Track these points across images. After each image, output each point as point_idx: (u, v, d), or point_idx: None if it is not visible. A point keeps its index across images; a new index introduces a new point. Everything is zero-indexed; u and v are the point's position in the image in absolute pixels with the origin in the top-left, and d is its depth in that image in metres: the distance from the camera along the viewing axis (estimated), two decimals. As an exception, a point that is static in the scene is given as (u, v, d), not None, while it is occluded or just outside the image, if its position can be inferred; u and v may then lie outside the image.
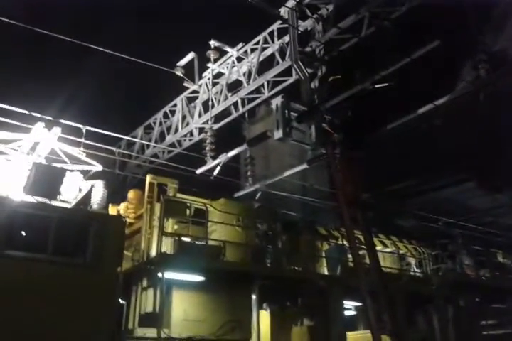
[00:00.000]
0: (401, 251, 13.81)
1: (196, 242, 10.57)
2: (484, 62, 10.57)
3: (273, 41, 13.46)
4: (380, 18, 11.21)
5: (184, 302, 10.08)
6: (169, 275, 9.98)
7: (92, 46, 12.01)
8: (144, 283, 10.32)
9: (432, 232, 14.76)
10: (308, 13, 12.65)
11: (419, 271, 13.89)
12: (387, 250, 13.51)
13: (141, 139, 16.84)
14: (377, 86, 10.67)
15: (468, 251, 14.22)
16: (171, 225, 11.14)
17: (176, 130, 15.88)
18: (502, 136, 14.35)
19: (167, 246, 10.54)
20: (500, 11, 14.93)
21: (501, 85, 11.30)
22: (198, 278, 10.17)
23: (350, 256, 12.07)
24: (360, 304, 12.21)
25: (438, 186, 15.24)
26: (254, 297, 10.57)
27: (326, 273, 12.20)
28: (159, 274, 9.82)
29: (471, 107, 12.60)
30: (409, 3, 10.98)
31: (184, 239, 10.57)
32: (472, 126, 14.27)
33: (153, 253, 10.38)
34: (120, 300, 9.92)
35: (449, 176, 14.76)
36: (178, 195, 11.43)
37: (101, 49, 12.27)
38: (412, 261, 13.96)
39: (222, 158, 13.10)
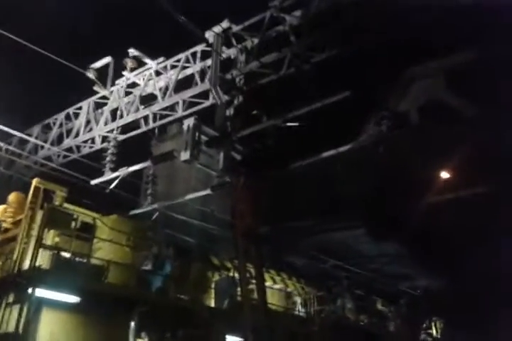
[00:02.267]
0: (289, 289, 13.87)
1: (77, 259, 9.78)
2: (387, 119, 11.21)
3: (195, 62, 13.30)
4: (300, 60, 11.50)
5: (53, 324, 9.24)
6: (41, 292, 9.11)
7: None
8: (10, 298, 9.32)
9: (320, 273, 15.07)
10: (234, 42, 12.68)
11: (303, 310, 14.00)
12: (276, 286, 13.50)
13: (36, 138, 15.62)
14: (288, 124, 10.86)
15: (352, 295, 14.63)
16: (51, 237, 10.27)
17: (77, 134, 14.94)
18: (394, 188, 15.17)
19: (44, 259, 9.67)
20: (407, 76, 15.98)
21: (399, 141, 12.07)
22: (73, 299, 9.37)
23: (236, 289, 11.93)
24: (241, 340, 12.01)
25: (332, 228, 15.67)
26: (132, 324, 9.94)
27: (213, 305, 11.84)
28: (29, 290, 8.93)
29: (370, 158, 13.26)
30: (329, 52, 11.39)
31: (64, 254, 9.75)
32: (368, 176, 14.96)
33: (27, 265, 9.46)
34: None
35: (343, 220, 15.25)
36: (66, 205, 10.64)
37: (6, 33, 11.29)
38: (298, 299, 14.06)
39: (123, 172, 12.48)
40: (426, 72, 15.29)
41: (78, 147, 15.11)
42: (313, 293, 14.22)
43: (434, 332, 18.47)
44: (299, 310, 13.93)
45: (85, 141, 14.91)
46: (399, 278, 18.67)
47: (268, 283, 12.84)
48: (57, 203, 10.30)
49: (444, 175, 15.72)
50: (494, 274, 17.49)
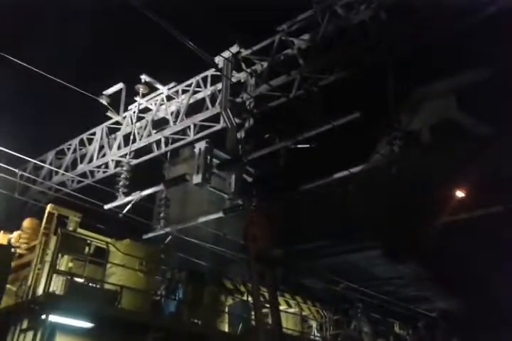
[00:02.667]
0: (304, 313, 13.67)
1: (90, 284, 9.77)
2: (399, 139, 11.18)
3: (205, 86, 13.50)
4: (308, 82, 11.61)
5: (67, 349, 9.17)
6: (54, 318, 9.09)
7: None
8: (24, 324, 9.29)
9: (335, 296, 14.85)
10: (243, 67, 12.86)
11: (319, 334, 13.77)
12: (291, 310, 13.32)
13: (50, 164, 15.82)
14: (299, 146, 10.89)
15: (368, 319, 14.37)
16: (65, 262, 10.31)
17: (91, 160, 15.14)
18: (408, 209, 15.01)
19: (57, 285, 9.68)
20: (418, 94, 16.01)
21: (412, 161, 12.02)
22: (87, 325, 9.33)
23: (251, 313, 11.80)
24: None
25: (345, 250, 15.52)
26: (145, 350, 9.87)
27: (226, 329, 11.70)
28: (43, 316, 8.91)
29: (382, 179, 13.19)
30: (337, 74, 11.49)
31: (78, 279, 9.75)
32: (381, 197, 14.84)
33: (41, 291, 9.47)
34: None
35: (357, 242, 15.10)
36: (79, 230, 10.67)
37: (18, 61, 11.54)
38: (314, 324, 13.84)
39: (136, 196, 12.55)
40: (436, 92, 15.34)
41: (92, 172, 15.28)
42: (329, 317, 13.99)
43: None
44: (315, 334, 13.69)
45: (99, 166, 15.09)
46: (415, 300, 18.32)
47: (283, 307, 12.67)
48: (71, 228, 10.34)
49: (458, 194, 15.55)
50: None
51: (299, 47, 12.16)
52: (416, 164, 12.93)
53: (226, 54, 12.24)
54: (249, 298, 12.11)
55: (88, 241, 10.16)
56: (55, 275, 9.50)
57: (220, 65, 12.89)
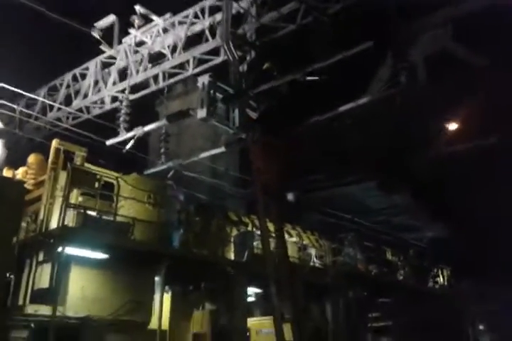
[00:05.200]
0: (304, 242, 14.21)
1: (103, 217, 9.94)
2: (405, 70, 11.12)
3: (203, 17, 13.02)
4: (316, 11, 11.29)
5: (83, 279, 9.49)
6: (69, 250, 9.32)
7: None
8: (40, 256, 9.50)
9: (332, 226, 15.37)
10: (244, -5, 12.38)
11: (318, 261, 14.42)
12: (292, 239, 13.83)
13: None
14: (308, 78, 10.77)
15: (361, 247, 15.03)
16: (74, 197, 10.35)
17: (86, 95, 14.80)
18: (409, 143, 15.27)
19: (69, 218, 9.82)
20: (416, 25, 15.74)
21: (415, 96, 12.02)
22: (101, 256, 9.61)
23: (256, 243, 12.22)
24: (260, 291, 12.40)
25: (341, 183, 15.88)
26: (158, 278, 10.25)
27: (232, 258, 12.16)
28: (59, 248, 9.13)
29: (383, 110, 13.25)
30: (344, 2, 11.19)
31: (89, 212, 9.90)
32: (381, 129, 15.01)
33: (54, 225, 9.61)
34: (7, 274, 9.12)
35: (353, 174, 15.43)
36: (87, 165, 10.67)
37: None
38: (313, 252, 14.43)
39: (138, 131, 12.46)
40: (433, 22, 15.08)
41: (88, 108, 15.00)
42: (328, 246, 14.60)
43: (441, 280, 19.12)
44: (314, 261, 14.35)
45: (94, 102, 14.80)
46: (406, 229, 19.13)
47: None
48: (78, 163, 10.32)
49: (454, 126, 15.74)
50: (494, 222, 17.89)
51: (302, -24, 11.72)
52: (416, 95, 12.98)
53: (227, -19, 11.70)
54: (253, 229, 12.51)
55: (98, 176, 10.18)
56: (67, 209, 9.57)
57: (220, -6, 12.42)
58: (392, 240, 17.40)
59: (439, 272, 18.86)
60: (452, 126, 15.21)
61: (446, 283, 18.98)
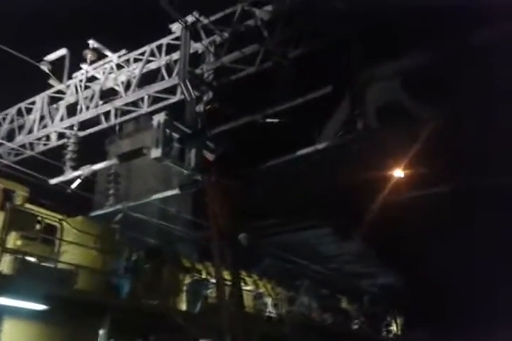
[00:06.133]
0: (260, 290, 13.60)
1: (44, 264, 9.05)
2: (361, 116, 11.15)
3: (160, 55, 12.75)
4: (278, 55, 11.26)
5: (17, 333, 8.52)
6: (3, 300, 8.36)
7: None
8: (-32, 307, 8.47)
9: (286, 273, 14.91)
10: (203, 36, 12.27)
11: (273, 311, 13.78)
12: (247, 288, 13.19)
13: (-17, 135, 14.49)
14: (267, 120, 10.57)
15: (316, 295, 14.57)
16: (12, 240, 9.46)
17: (30, 131, 13.96)
18: (358, 187, 15.22)
19: (5, 264, 8.89)
20: (365, 76, 16.19)
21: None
22: (39, 307, 8.66)
23: (209, 291, 11.54)
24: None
25: (297, 228, 15.59)
26: (102, 332, 9.33)
27: (185, 308, 11.36)
28: (-9, 299, 8.16)
29: (338, 156, 13.20)
30: (303, 47, 11.24)
31: (28, 258, 9.00)
32: (333, 175, 14.95)
33: (-14, 271, 8.65)
34: None
35: (308, 220, 15.19)
36: (28, 206, 9.84)
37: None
38: (269, 300, 13.80)
39: (85, 170, 11.74)
40: (383, 73, 15.47)
41: (31, 144, 14.13)
42: (284, 294, 14.03)
43: (394, 328, 18.83)
44: (270, 311, 13.69)
45: (39, 138, 13.98)
46: (359, 276, 18.89)
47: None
48: (18, 203, 9.48)
49: (402, 173, 15.96)
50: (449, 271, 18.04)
51: (262, 19, 11.76)
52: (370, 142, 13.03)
53: (189, 18, 11.57)
54: (207, 277, 11.84)
55: (39, 218, 9.35)
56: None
57: (178, 34, 12.26)
58: (347, 287, 17.08)
59: (393, 320, 18.61)
60: (403, 174, 15.37)
61: (399, 332, 18.71)
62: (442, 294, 18.38)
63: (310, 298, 14.41)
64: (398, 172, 15.71)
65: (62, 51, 13.53)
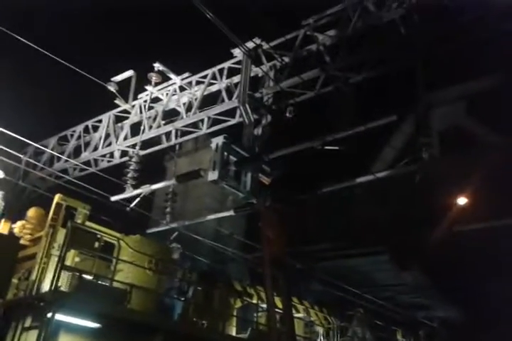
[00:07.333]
0: (311, 318, 13.31)
1: (99, 282, 9.26)
2: (428, 146, 10.77)
3: (221, 78, 12.98)
4: (341, 80, 11.16)
5: (71, 349, 8.68)
6: (60, 316, 8.58)
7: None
8: (28, 321, 8.75)
9: (337, 301, 14.51)
10: (264, 60, 12.38)
11: (325, 341, 13.45)
12: (298, 315, 12.94)
13: (52, 150, 15.18)
14: (326, 147, 10.44)
15: (370, 326, 14.08)
16: (71, 257, 9.77)
17: (96, 148, 14.53)
18: (417, 216, 14.71)
19: (63, 281, 9.15)
20: (425, 101, 15.76)
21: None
22: (93, 325, 8.84)
23: (259, 315, 11.41)
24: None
25: (349, 254, 15.19)
26: (152, 352, 9.42)
27: (234, 333, 11.29)
28: (49, 314, 8.40)
29: (397, 185, 12.81)
30: (366, 73, 11.08)
31: (85, 276, 9.24)
32: (393, 203, 14.53)
33: (46, 286, 8.94)
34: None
35: (362, 246, 14.78)
36: (87, 223, 10.13)
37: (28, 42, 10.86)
38: (320, 330, 13.47)
39: (145, 189, 12.02)
40: (446, 98, 14.97)
41: (96, 161, 14.68)
42: (336, 324, 13.62)
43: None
44: (321, 340, 13.33)
45: (104, 155, 14.51)
46: (415, 307, 18.15)
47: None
48: (79, 221, 9.79)
49: (465, 204, 15.25)
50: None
51: (324, 44, 11.74)
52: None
53: (250, 44, 11.71)
54: (259, 301, 11.72)
55: (98, 236, 9.61)
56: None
57: (239, 58, 12.45)
58: (401, 318, 16.41)
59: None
60: (467, 203, 14.70)
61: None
62: (503, 331, 17.31)
63: (363, 329, 13.92)
64: (461, 201, 15.08)
65: (129, 73, 14.04)
